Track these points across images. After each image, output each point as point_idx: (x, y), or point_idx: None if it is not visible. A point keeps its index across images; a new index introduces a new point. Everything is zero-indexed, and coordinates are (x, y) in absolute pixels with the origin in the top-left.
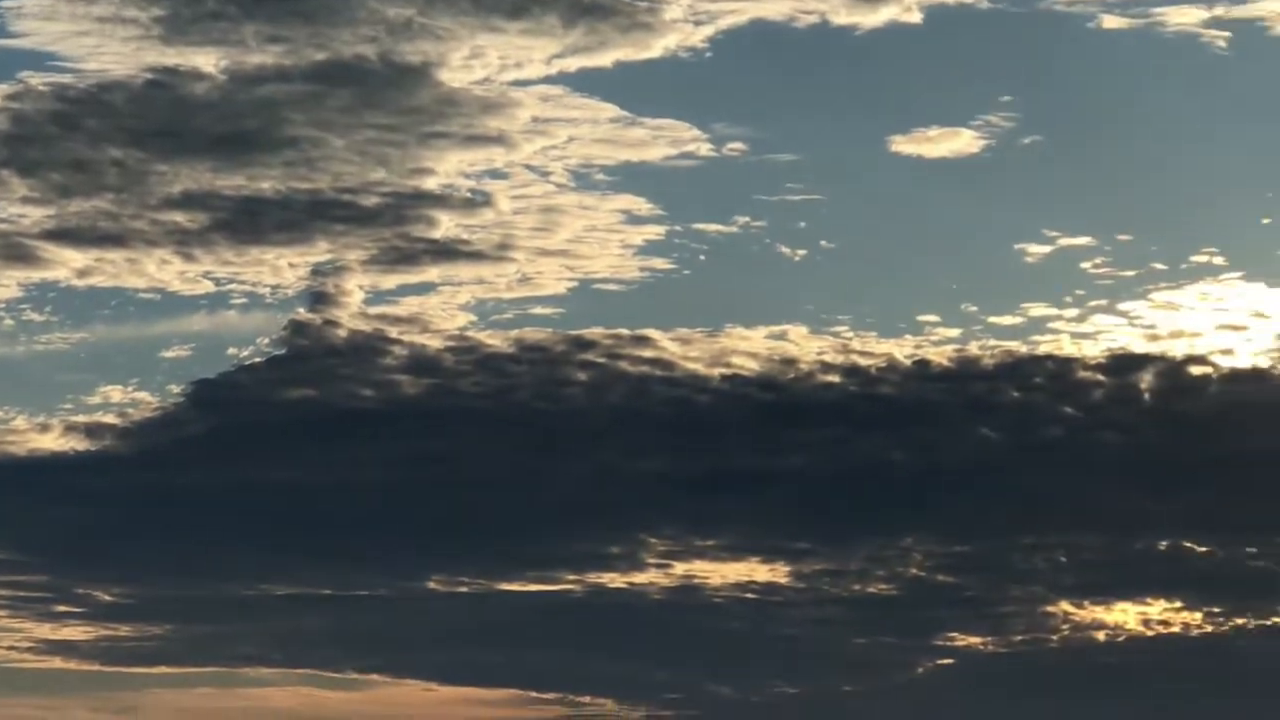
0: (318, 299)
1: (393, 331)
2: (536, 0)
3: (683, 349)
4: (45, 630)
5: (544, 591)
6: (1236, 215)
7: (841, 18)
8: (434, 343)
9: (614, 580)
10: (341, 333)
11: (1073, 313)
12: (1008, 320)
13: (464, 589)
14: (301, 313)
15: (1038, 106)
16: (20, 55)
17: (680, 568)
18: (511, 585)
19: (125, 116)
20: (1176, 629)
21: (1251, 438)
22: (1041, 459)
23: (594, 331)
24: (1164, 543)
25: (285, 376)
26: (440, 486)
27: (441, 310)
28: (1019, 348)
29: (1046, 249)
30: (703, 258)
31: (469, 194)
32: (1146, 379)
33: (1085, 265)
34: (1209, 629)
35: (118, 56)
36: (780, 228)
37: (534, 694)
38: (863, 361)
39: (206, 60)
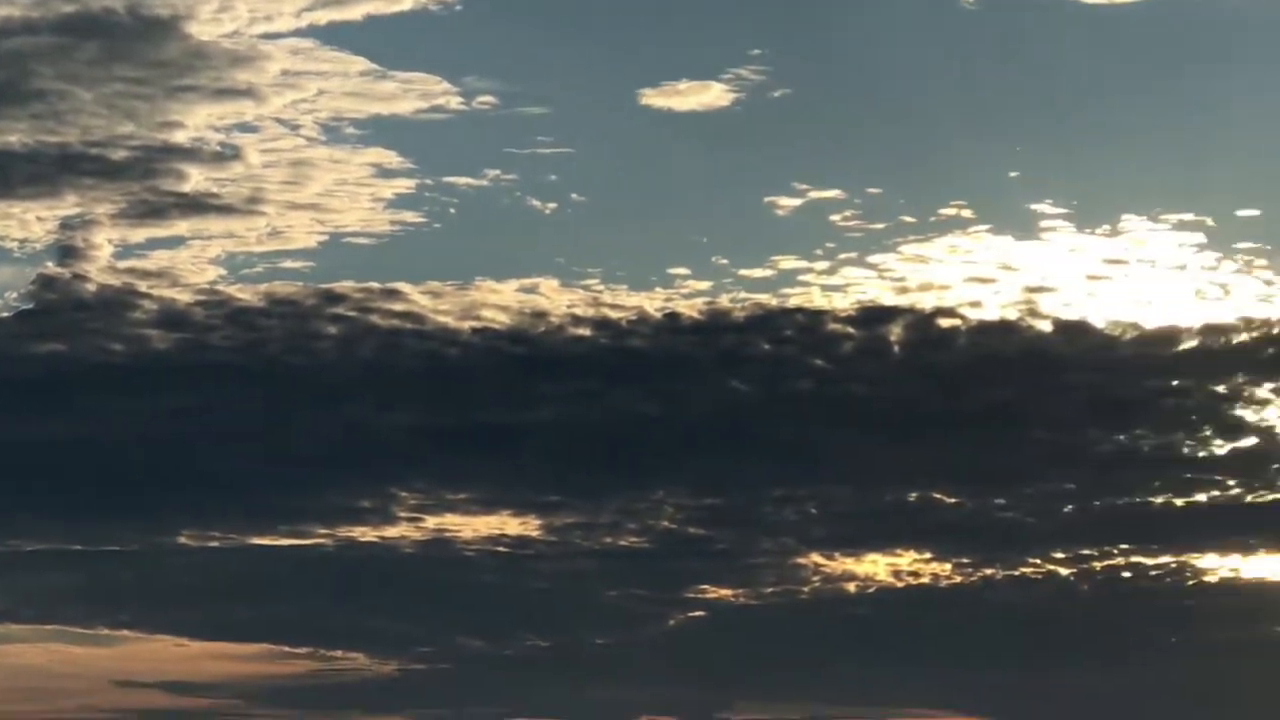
0: (66, 253)
1: (142, 285)
2: None
3: (433, 302)
4: None
5: (295, 546)
6: (984, 168)
7: None
8: (184, 297)
9: (365, 534)
10: (90, 287)
11: (823, 265)
12: (758, 273)
13: (215, 543)
14: (50, 267)
15: (787, 60)
16: None
17: (431, 521)
18: (262, 539)
19: None
20: (926, 580)
21: (1000, 390)
22: (792, 411)
23: (344, 285)
24: (913, 494)
25: (33, 331)
26: (190, 441)
27: (191, 264)
28: (769, 300)
29: (796, 202)
30: (453, 211)
31: (218, 147)
32: (896, 331)
33: (835, 218)
34: (958, 580)
35: None
36: (531, 181)
37: (285, 648)
38: (613, 314)
39: None
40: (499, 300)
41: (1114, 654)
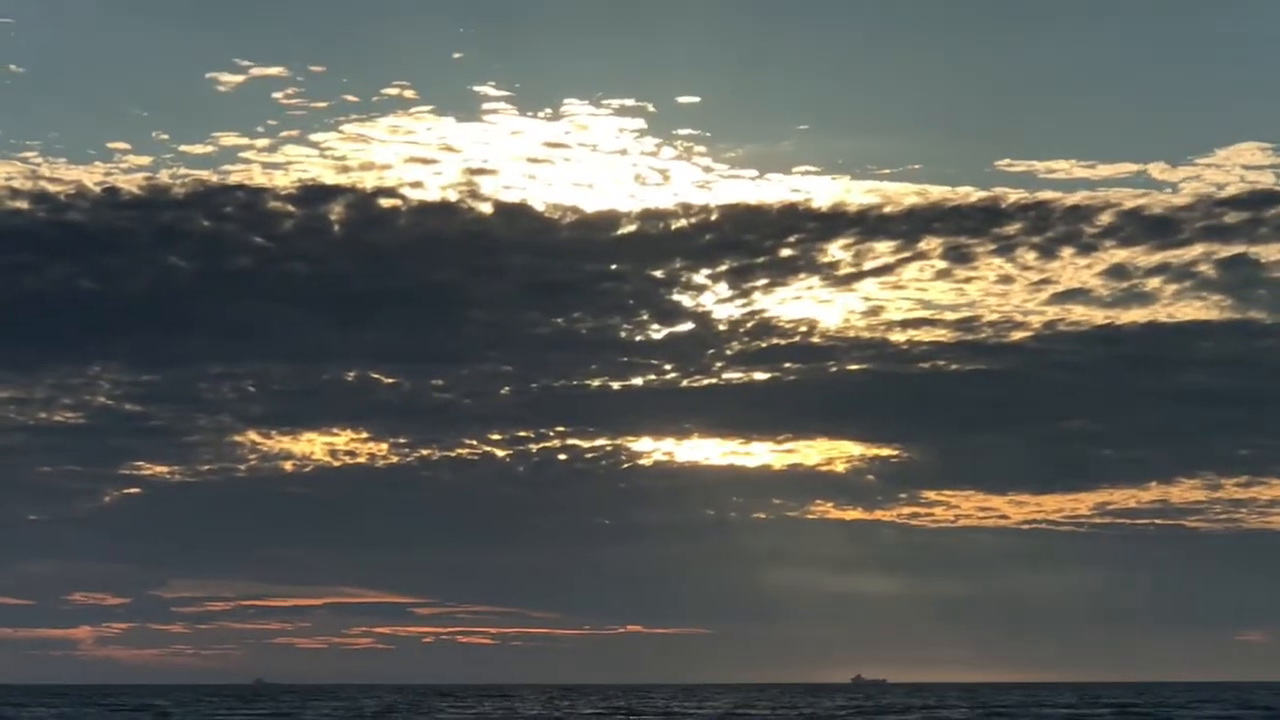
0: None
1: None
2: None
3: None
4: None
5: None
6: (428, 49)
7: None
8: None
9: None
10: None
11: (264, 143)
12: (199, 149)
13: None
14: None
15: None
16: None
17: None
18: None
19: None
20: (364, 459)
21: (439, 271)
22: (231, 288)
23: None
24: (352, 373)
25: None
26: None
27: None
28: (210, 177)
29: (239, 78)
30: None
31: None
32: (337, 210)
33: (278, 95)
34: (395, 459)
35: None
36: None
37: None
38: (51, 188)
39: None
40: None
41: (550, 535)
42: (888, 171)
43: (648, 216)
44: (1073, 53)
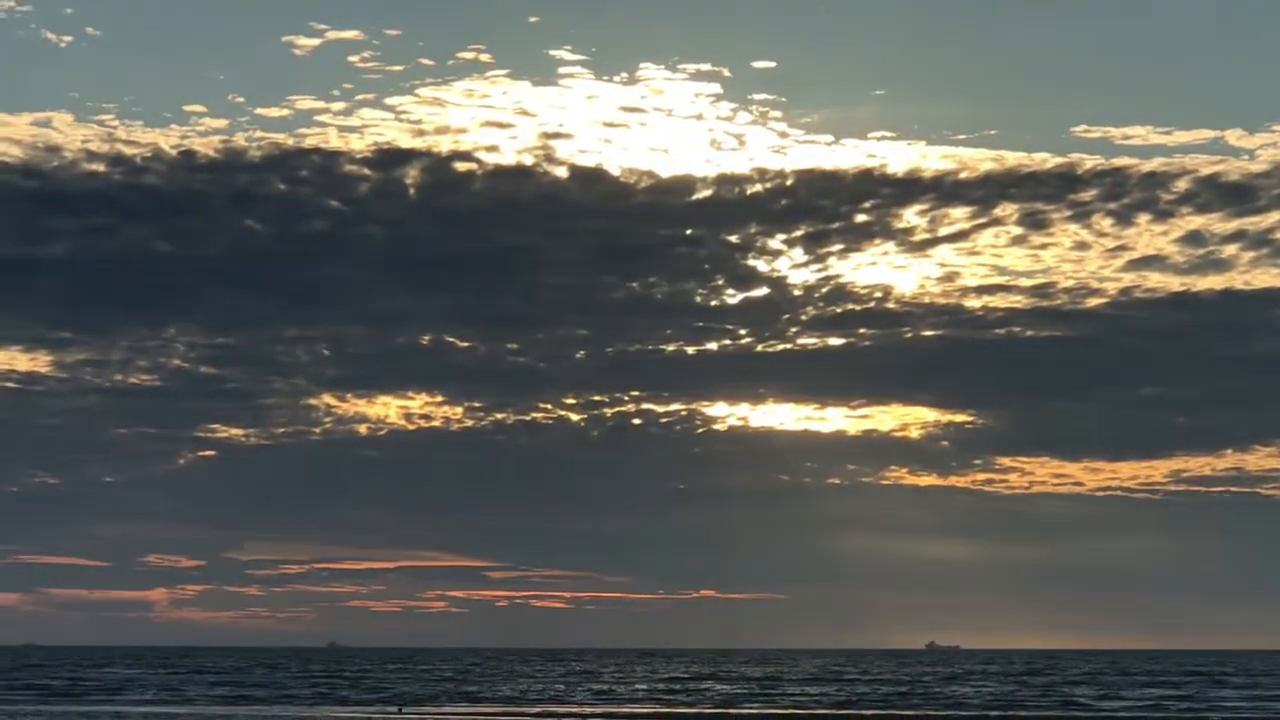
0: None
1: None
2: None
3: None
4: None
5: None
6: (504, 13)
7: None
8: None
9: None
10: None
11: (340, 106)
12: (275, 113)
13: None
14: None
15: None
16: None
17: None
18: None
19: None
20: (438, 423)
21: (514, 235)
22: (306, 251)
23: None
24: (427, 337)
25: None
26: None
27: None
28: (285, 140)
29: (315, 42)
30: None
31: None
32: (412, 174)
33: (353, 59)
34: (470, 423)
35: None
36: (47, 13)
37: None
38: (128, 151)
39: None
40: (10, 134)
41: (624, 499)
42: (963, 137)
43: (723, 181)
44: (1149, 17)
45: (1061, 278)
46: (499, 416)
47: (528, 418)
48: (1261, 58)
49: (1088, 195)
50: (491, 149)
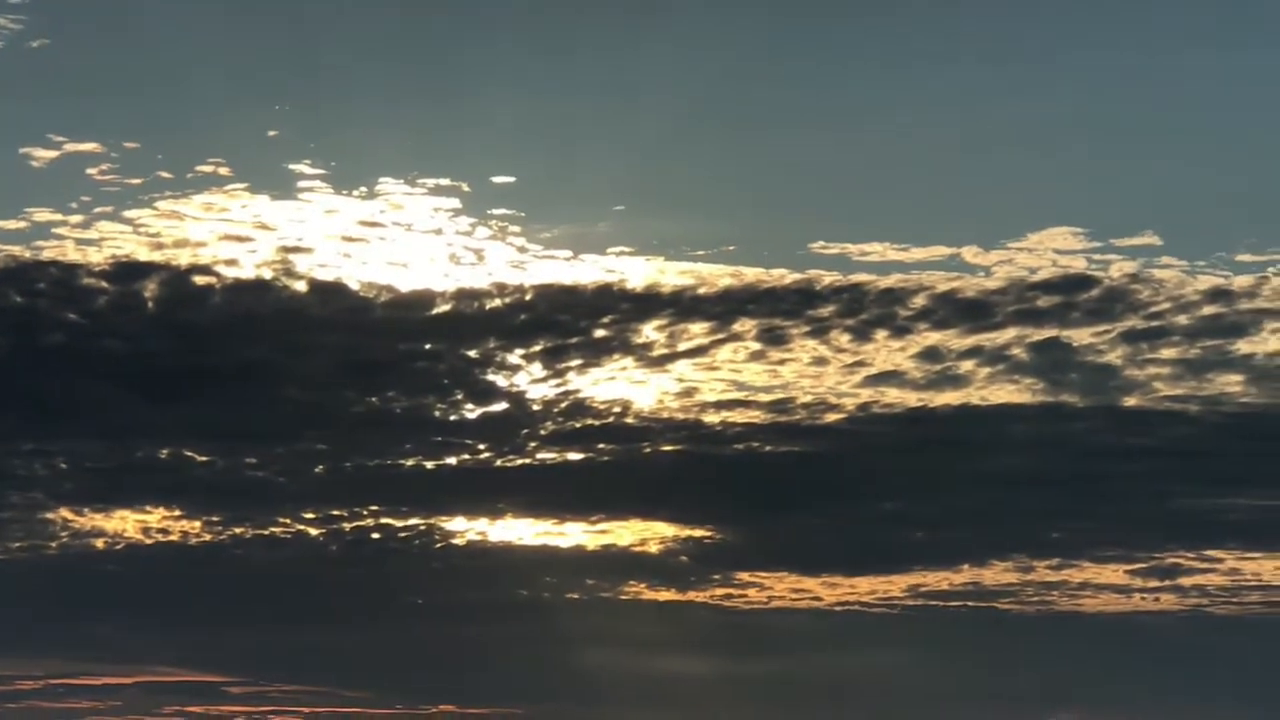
0: None
1: None
2: None
3: None
4: None
5: None
6: (243, 126)
7: None
8: None
9: None
10: None
11: (78, 219)
12: (11, 225)
13: None
14: None
15: (47, 9)
16: None
17: None
18: None
19: None
20: (176, 537)
21: (253, 349)
22: (43, 365)
23: None
24: (165, 451)
25: None
26: None
27: None
28: (22, 253)
29: (52, 154)
30: None
31: None
32: (150, 287)
33: (91, 171)
34: (208, 538)
35: None
36: None
37: None
38: None
39: None
40: None
41: (363, 614)
42: (702, 253)
43: (462, 296)
44: (884, 134)
45: (800, 393)
46: (238, 531)
47: (266, 532)
48: (996, 176)
49: (825, 311)
50: (230, 263)
